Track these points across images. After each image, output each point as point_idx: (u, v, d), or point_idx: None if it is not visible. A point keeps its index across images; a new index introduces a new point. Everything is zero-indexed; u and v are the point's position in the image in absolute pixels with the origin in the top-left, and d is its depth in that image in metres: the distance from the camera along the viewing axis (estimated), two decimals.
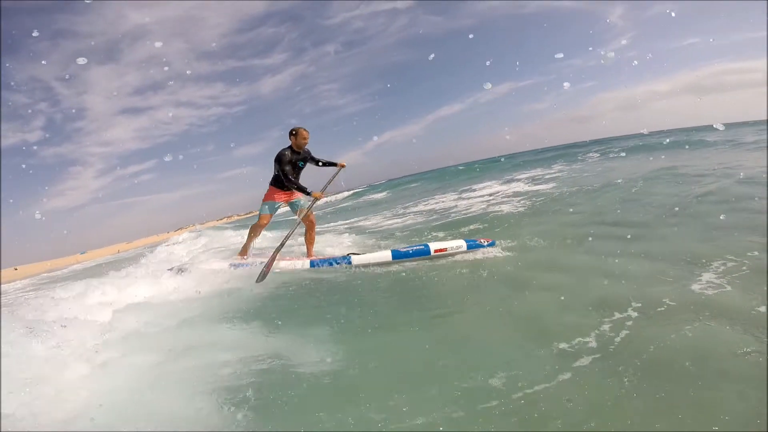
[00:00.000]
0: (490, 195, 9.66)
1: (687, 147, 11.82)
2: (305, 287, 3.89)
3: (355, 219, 11.06)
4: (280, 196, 4.67)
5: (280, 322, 2.89)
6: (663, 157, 10.86)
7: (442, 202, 10.74)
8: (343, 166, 4.78)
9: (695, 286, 2.61)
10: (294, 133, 4.44)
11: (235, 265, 4.58)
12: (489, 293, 3.18)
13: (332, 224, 11.01)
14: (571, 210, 4.72)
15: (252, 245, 4.92)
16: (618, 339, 2.07)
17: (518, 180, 11.72)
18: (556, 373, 1.83)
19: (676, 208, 4.68)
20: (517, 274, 3.52)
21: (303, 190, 4.46)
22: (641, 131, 12.51)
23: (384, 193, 23.34)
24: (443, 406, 1.70)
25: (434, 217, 8.26)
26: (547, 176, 11.23)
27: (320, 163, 4.83)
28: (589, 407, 1.60)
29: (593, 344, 2.05)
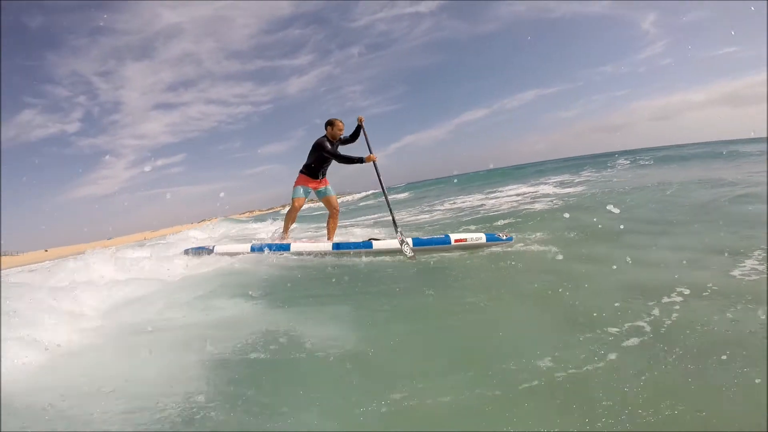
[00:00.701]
0: (518, 195, 9.75)
1: (723, 153, 11.56)
2: (328, 273, 3.89)
3: (380, 215, 11.22)
4: (311, 183, 4.91)
5: (304, 304, 2.97)
6: (695, 166, 10.68)
7: (468, 201, 10.87)
8: (361, 119, 4.98)
9: (736, 272, 2.70)
10: (330, 124, 4.78)
11: (255, 248, 4.76)
12: (524, 281, 3.17)
13: (356, 219, 11.27)
14: (607, 208, 4.80)
15: (290, 230, 5.23)
16: (666, 322, 2.07)
17: (546, 183, 11.72)
18: (603, 354, 1.81)
19: (709, 208, 4.74)
20: (552, 264, 3.54)
21: (356, 159, 4.68)
22: (675, 143, 12.25)
23: (406, 194, 23.57)
24: (483, 386, 1.66)
25: (463, 213, 8.43)
26: (576, 180, 11.20)
27: (348, 140, 5.05)
28: (639, 386, 1.58)
29: (640, 327, 2.04)
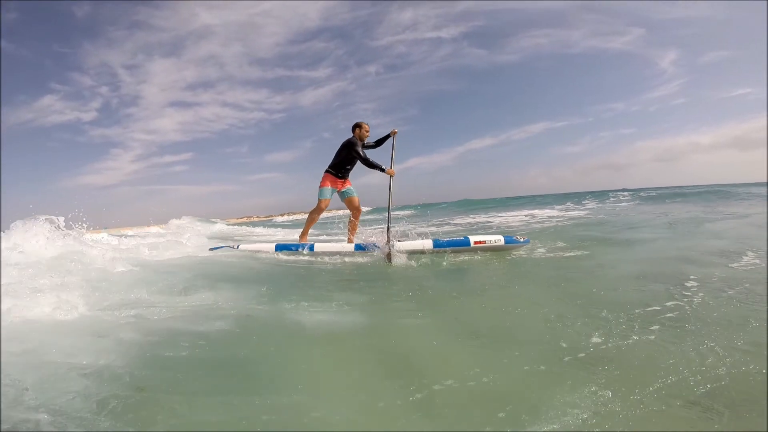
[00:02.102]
0: (526, 216, 10.18)
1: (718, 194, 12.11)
2: (344, 272, 3.85)
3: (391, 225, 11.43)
4: (336, 184, 4.96)
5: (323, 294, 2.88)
6: (692, 202, 11.19)
7: (477, 218, 11.27)
8: (395, 133, 4.97)
9: (735, 265, 3.15)
10: (359, 126, 4.91)
11: (281, 247, 4.75)
12: (541, 278, 3.38)
13: (366, 228, 11.54)
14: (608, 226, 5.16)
15: (310, 230, 5.16)
16: (684, 305, 2.30)
17: (552, 209, 12.18)
18: (627, 333, 1.94)
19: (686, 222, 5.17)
20: (571, 261, 3.90)
21: (379, 167, 4.77)
22: (678, 185, 12.77)
23: (410, 211, 23.92)
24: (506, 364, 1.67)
25: (474, 227, 8.80)
26: (581, 208, 11.65)
27: (372, 145, 5.08)
28: (665, 359, 1.67)
29: (661, 308, 2.26)
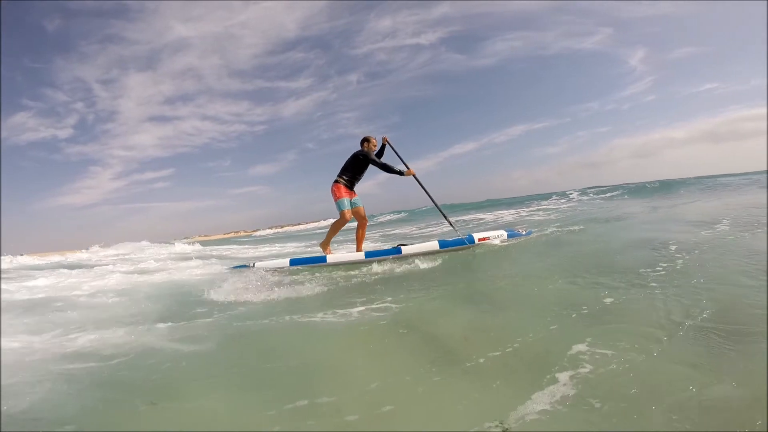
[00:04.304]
0: (513, 214, 10.73)
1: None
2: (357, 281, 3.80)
3: (388, 229, 11.71)
4: (349, 194, 5.09)
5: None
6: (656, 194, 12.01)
7: (469, 217, 11.75)
8: (385, 139, 5.33)
9: (705, 233, 3.74)
10: (368, 141, 5.17)
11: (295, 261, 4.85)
12: (546, 255, 3.81)
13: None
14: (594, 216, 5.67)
15: (332, 240, 5.25)
16: (675, 267, 2.73)
17: (538, 207, 12.79)
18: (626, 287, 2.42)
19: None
20: (573, 236, 4.48)
21: (397, 171, 4.98)
22: (655, 180, 13.57)
23: (401, 215, 24.35)
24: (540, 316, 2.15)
25: (469, 225, 9.25)
26: (565, 201, 12.29)
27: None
28: (658, 309, 2.00)
29: (652, 270, 2.71)
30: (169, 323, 2.50)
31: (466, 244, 4.65)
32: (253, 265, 4.85)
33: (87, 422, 1.44)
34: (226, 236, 59.75)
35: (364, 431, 1.28)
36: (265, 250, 9.54)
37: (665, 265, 2.82)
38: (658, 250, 3.33)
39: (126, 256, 9.34)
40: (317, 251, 5.56)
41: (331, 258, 4.71)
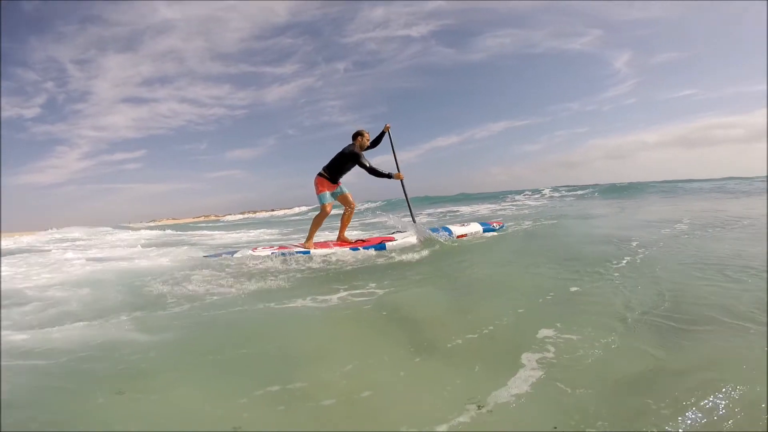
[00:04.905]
0: (487, 208, 10.99)
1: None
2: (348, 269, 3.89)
3: (369, 219, 11.70)
4: (330, 187, 5.10)
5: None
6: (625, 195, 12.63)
7: (445, 209, 11.94)
8: (388, 127, 5.21)
9: (665, 231, 3.97)
10: (361, 135, 4.97)
11: (278, 253, 4.66)
12: (518, 245, 4.10)
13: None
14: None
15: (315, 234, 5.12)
16: (636, 261, 3.00)
17: (512, 202, 13.15)
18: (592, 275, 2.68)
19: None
20: (541, 232, 4.63)
21: (386, 174, 4.90)
22: (625, 182, 14.19)
23: (378, 203, 24.40)
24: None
25: (448, 217, 9.41)
26: (537, 197, 12.69)
27: (369, 146, 5.13)
28: (621, 296, 2.21)
29: (621, 260, 2.99)
30: (135, 314, 2.39)
31: (440, 232, 4.87)
32: (234, 253, 4.69)
33: (45, 415, 1.37)
34: (196, 220, 57.93)
35: (339, 415, 1.28)
36: (231, 237, 9.24)
37: (629, 258, 3.04)
38: (621, 245, 3.55)
39: (82, 242, 8.88)
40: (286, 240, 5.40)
41: (315, 252, 4.60)
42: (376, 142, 5.21)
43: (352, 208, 5.24)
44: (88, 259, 4.88)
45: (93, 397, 1.44)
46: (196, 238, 9.39)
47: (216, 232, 11.52)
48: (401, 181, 5.01)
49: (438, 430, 1.17)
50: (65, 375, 1.63)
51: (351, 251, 4.61)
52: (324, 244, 4.84)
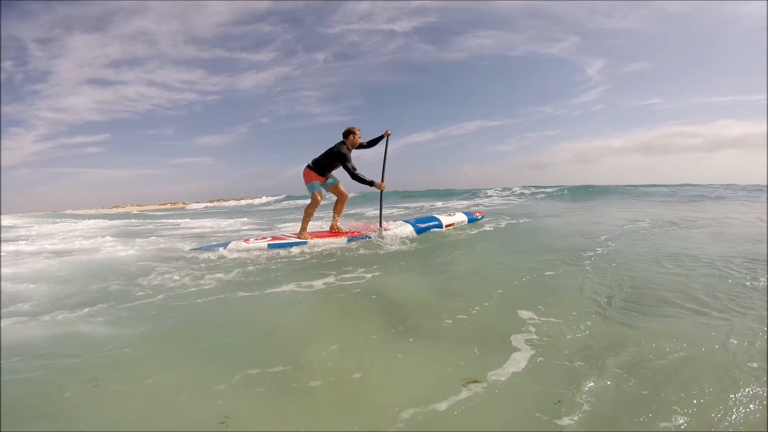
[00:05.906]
0: (464, 203, 11.34)
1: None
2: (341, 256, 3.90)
3: (349, 210, 11.74)
4: (319, 178, 5.01)
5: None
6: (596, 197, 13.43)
7: (422, 204, 12.17)
8: (389, 134, 5.14)
9: (628, 227, 4.32)
10: (352, 133, 4.88)
11: (273, 245, 4.65)
12: (497, 238, 4.37)
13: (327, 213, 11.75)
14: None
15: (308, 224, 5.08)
16: (604, 250, 3.38)
17: (487, 197, 13.58)
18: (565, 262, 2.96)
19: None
20: (516, 227, 4.93)
21: (368, 182, 4.84)
22: (590, 184, 15.03)
23: (352, 194, 24.28)
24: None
25: (425, 210, 9.62)
26: (510, 195, 13.19)
27: (365, 145, 5.13)
28: (592, 282, 2.52)
29: (591, 251, 3.28)
30: (103, 305, 2.30)
31: (436, 228, 5.13)
32: (226, 246, 4.55)
33: (15, 406, 1.31)
34: (162, 207, 55.23)
35: (324, 396, 1.30)
36: (195, 226, 8.96)
37: (600, 250, 3.32)
38: (590, 239, 3.84)
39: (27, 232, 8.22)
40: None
41: (312, 243, 4.61)
42: (372, 143, 5.16)
43: (345, 197, 5.17)
44: (43, 252, 4.57)
45: (65, 388, 1.38)
46: (155, 225, 9.01)
47: (181, 220, 11.12)
48: (381, 192, 4.95)
49: (438, 407, 1.21)
50: (32, 368, 1.55)
51: (348, 242, 4.62)
52: (318, 234, 4.86)
